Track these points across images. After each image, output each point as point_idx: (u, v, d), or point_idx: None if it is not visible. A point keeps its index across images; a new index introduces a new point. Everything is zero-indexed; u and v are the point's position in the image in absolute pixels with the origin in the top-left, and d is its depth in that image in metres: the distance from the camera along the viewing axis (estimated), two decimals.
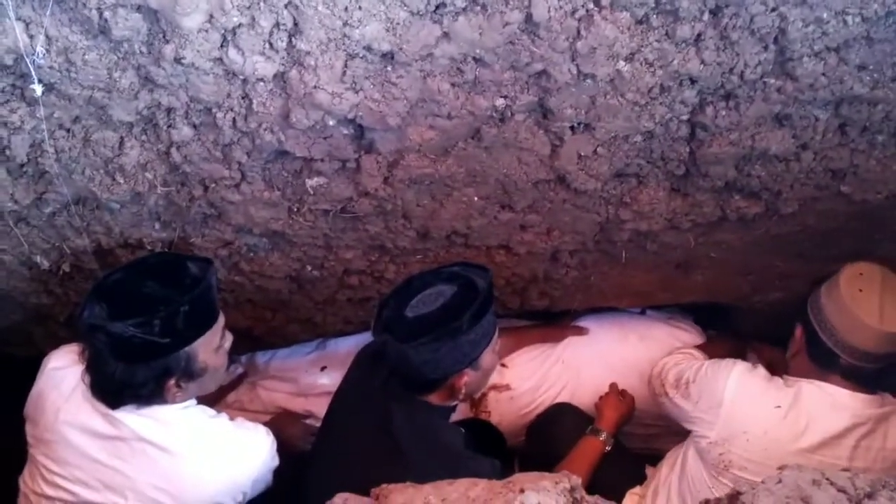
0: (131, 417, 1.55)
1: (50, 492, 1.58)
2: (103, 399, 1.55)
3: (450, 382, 1.65)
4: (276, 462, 1.68)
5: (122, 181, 1.60)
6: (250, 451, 1.64)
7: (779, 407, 1.76)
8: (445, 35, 1.35)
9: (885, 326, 1.73)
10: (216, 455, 1.59)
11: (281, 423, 2.18)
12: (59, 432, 1.56)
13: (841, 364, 1.77)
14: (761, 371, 1.88)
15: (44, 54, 1.30)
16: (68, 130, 1.50)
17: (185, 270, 1.57)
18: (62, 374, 1.62)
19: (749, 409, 1.79)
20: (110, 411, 1.55)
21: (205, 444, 1.59)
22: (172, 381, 1.53)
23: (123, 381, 1.51)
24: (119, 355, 1.49)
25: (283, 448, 1.72)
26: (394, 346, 1.59)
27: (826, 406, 1.76)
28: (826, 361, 1.79)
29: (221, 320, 1.62)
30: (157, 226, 1.77)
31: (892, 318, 1.74)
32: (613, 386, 2.22)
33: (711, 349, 2.25)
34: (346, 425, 1.76)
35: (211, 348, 1.58)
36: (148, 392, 1.53)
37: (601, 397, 2.20)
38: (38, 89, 1.35)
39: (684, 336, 2.36)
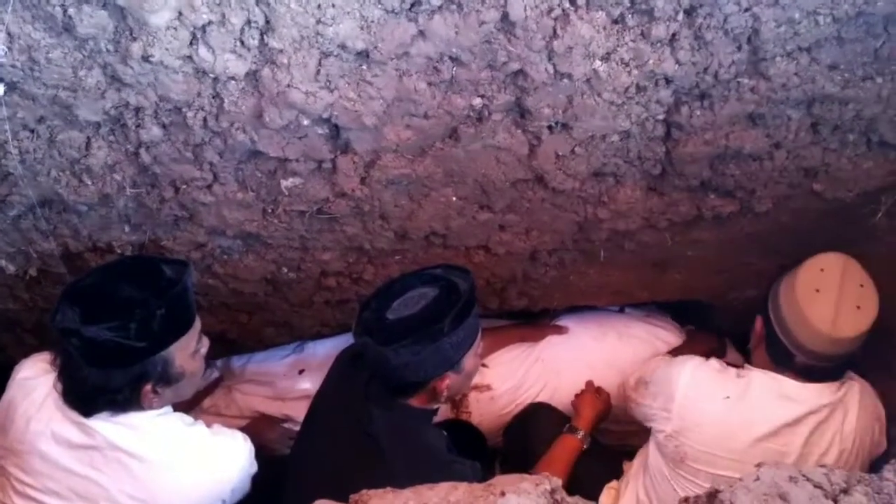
0: (105, 425, 1.52)
1: (21, 503, 1.54)
2: (76, 406, 1.52)
3: (431, 385, 1.64)
4: (254, 469, 1.65)
5: (89, 183, 1.57)
6: (228, 458, 1.61)
7: (728, 397, 1.78)
8: (421, 34, 1.35)
9: (837, 332, 1.72)
10: (193, 463, 1.57)
11: (258, 428, 2.16)
12: (31, 442, 1.53)
13: (796, 362, 1.77)
14: (714, 363, 1.89)
15: (6, 52, 1.27)
16: (32, 131, 1.47)
17: (161, 273, 1.53)
18: (33, 384, 1.58)
19: (701, 401, 1.80)
20: (83, 420, 1.51)
21: (182, 452, 1.57)
22: (149, 387, 1.50)
23: (98, 386, 1.47)
24: (93, 360, 1.45)
25: (260, 452, 1.69)
26: (374, 349, 1.57)
27: (775, 395, 1.77)
28: (781, 359, 1.80)
29: (198, 324, 1.59)
30: (126, 228, 1.74)
31: (846, 323, 1.73)
32: (590, 384, 2.23)
33: (691, 349, 2.26)
34: (327, 429, 1.74)
35: (188, 353, 1.56)
36: (123, 398, 1.50)
37: (577, 395, 2.21)
38: (0, 89, 1.32)
39: (662, 333, 2.38)
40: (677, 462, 1.82)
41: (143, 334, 1.45)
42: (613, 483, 2.07)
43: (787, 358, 1.78)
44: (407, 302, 1.61)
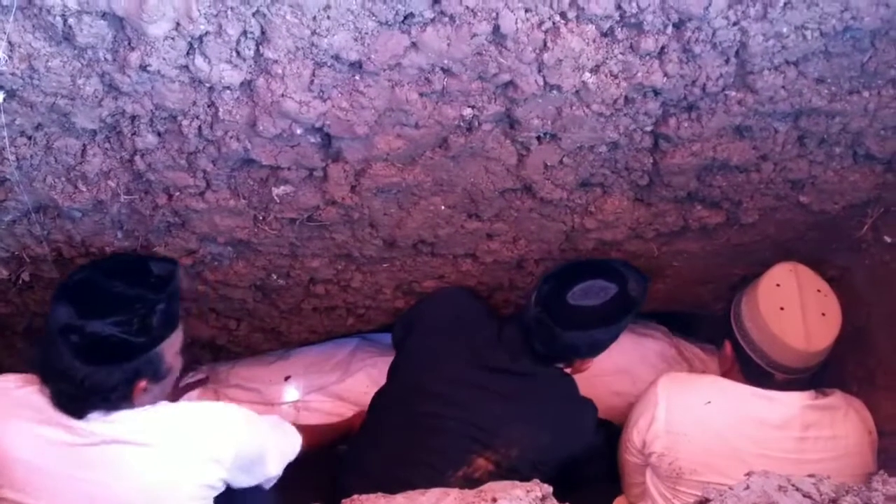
0: (99, 425, 1.50)
1: None
2: (68, 408, 1.50)
3: (578, 362, 1.90)
4: (253, 436, 1.62)
5: (84, 189, 1.57)
6: (221, 415, 1.61)
7: (709, 402, 1.77)
8: (414, 45, 1.36)
9: (812, 346, 1.73)
10: (190, 429, 1.55)
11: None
12: (18, 458, 1.49)
13: (777, 380, 1.78)
14: (684, 373, 1.93)
15: (6, 61, 1.27)
16: (30, 138, 1.47)
17: (150, 270, 1.56)
18: (15, 395, 1.54)
19: (682, 412, 1.79)
20: (74, 422, 1.50)
21: (176, 423, 1.56)
22: (143, 383, 1.51)
23: (94, 385, 1.46)
24: (92, 357, 1.45)
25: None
26: (548, 324, 1.77)
27: (758, 398, 1.77)
28: (762, 380, 1.79)
29: (181, 322, 1.61)
30: (119, 234, 1.74)
31: (818, 334, 1.75)
32: None
33: None
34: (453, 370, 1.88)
35: (175, 350, 1.57)
36: (117, 396, 1.49)
37: None
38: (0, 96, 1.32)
39: (651, 343, 2.37)
40: (675, 480, 1.79)
41: (144, 329, 1.46)
42: (621, 499, 2.03)
43: (766, 377, 1.79)
44: (588, 291, 1.79)
